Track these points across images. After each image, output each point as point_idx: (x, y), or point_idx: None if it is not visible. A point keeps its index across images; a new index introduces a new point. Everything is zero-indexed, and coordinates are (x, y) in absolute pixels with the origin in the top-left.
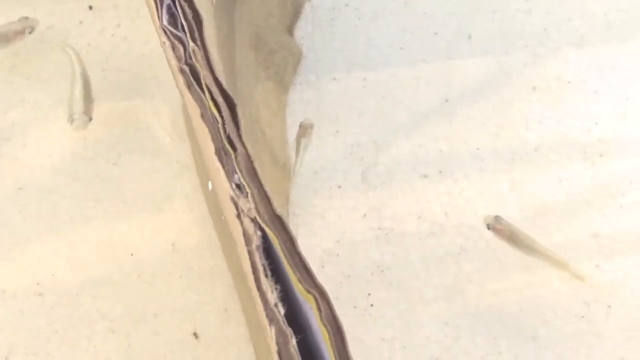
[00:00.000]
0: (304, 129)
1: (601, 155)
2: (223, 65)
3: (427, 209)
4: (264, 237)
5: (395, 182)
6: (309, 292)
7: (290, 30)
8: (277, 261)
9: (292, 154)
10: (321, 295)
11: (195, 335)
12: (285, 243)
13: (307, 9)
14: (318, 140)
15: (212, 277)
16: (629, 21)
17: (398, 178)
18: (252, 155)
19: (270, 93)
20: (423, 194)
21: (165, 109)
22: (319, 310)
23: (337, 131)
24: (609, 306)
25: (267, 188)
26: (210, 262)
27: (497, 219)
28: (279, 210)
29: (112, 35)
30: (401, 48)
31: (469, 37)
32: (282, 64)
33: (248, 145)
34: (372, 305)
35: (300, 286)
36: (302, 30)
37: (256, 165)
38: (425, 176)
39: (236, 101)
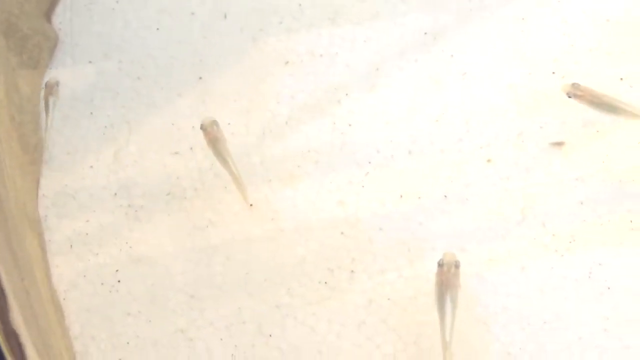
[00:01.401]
0: (50, 88)
1: (350, 125)
2: None
3: (177, 186)
4: None
5: (147, 161)
6: None
7: (48, 16)
8: None
9: (45, 136)
10: None
11: None
12: None
13: None
14: (72, 123)
15: None
16: None
17: (149, 157)
18: None
19: (22, 78)
20: (174, 171)
21: None
22: None
23: (91, 113)
24: (352, 271)
25: None
26: None
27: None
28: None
29: None
30: (157, 29)
31: (225, 16)
32: (37, 50)
33: None
34: (119, 281)
35: None
36: (61, 16)
37: None
38: (176, 153)
39: None
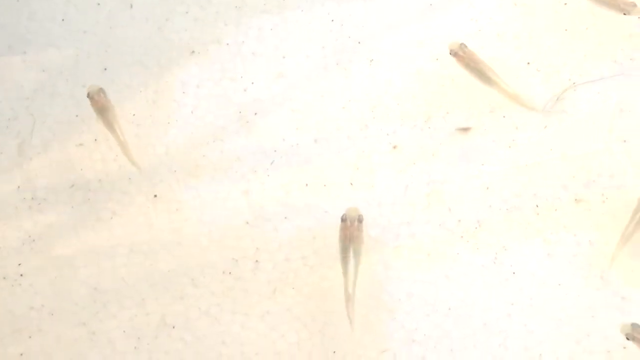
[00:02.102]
0: None
1: (256, 114)
2: None
3: (81, 177)
4: None
5: (51, 153)
6: None
7: None
8: None
9: None
10: None
11: None
12: None
13: None
14: None
15: None
16: None
17: (54, 148)
18: None
19: None
20: (78, 163)
21: None
22: None
23: None
24: (257, 261)
25: None
26: None
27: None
28: None
29: None
30: (63, 20)
31: (131, 6)
32: None
33: None
34: (22, 275)
35: None
36: None
37: None
38: (80, 145)
39: None
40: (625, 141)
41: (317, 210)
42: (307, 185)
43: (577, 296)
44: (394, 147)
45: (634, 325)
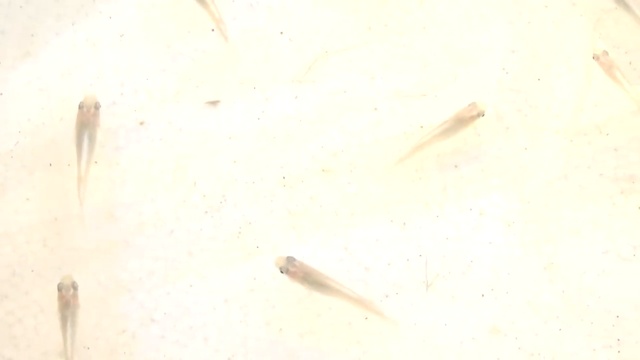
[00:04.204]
0: None
1: (1, 94)
2: None
3: None
4: None
5: None
6: None
7: None
8: None
9: None
10: None
11: None
12: None
13: None
14: None
15: None
16: None
17: None
18: None
19: None
20: None
21: None
22: None
23: None
24: None
25: None
26: None
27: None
28: None
29: None
30: None
31: None
32: None
33: None
34: None
35: None
36: None
37: None
38: None
39: None
40: (376, 109)
41: (60, 191)
42: (51, 165)
43: (319, 268)
44: (141, 123)
45: (289, 258)
